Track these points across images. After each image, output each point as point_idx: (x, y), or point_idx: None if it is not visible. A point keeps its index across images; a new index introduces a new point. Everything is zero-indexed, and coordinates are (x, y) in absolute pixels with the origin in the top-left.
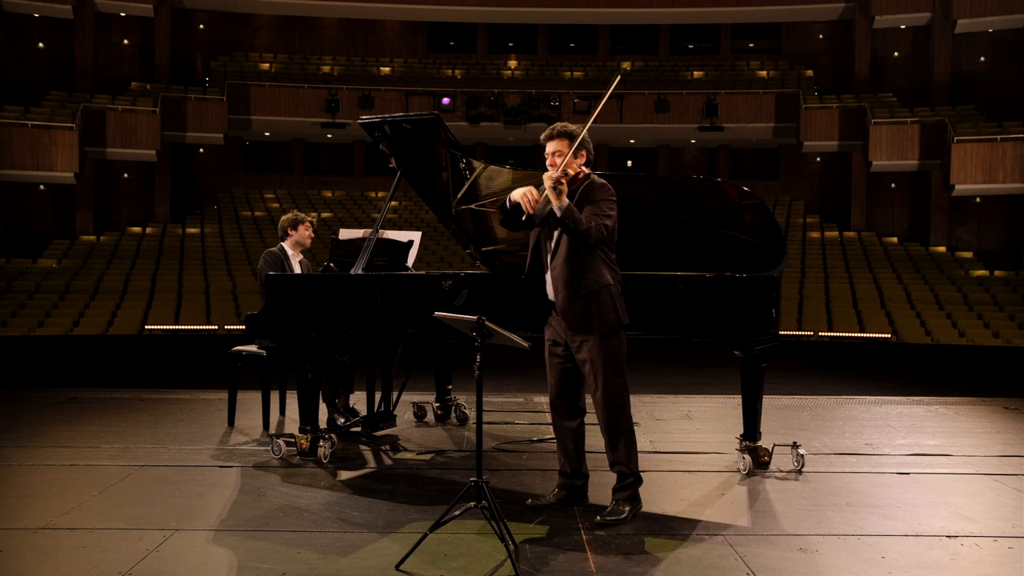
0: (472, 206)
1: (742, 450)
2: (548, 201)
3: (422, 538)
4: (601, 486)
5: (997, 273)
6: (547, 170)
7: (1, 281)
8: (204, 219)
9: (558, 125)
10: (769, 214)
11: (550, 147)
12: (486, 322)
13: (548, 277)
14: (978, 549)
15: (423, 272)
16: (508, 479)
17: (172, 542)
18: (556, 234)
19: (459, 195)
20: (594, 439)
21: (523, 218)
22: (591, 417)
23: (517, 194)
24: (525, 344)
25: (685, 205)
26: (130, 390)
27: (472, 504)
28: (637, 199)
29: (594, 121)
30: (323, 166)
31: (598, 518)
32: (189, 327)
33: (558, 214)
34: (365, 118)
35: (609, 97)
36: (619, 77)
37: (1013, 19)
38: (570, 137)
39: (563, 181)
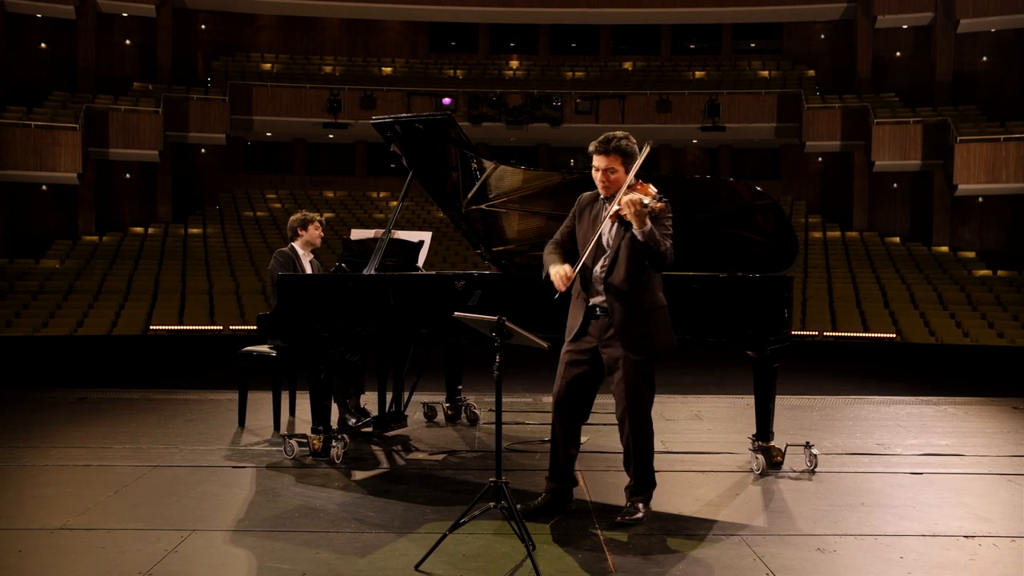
0: (483, 206)
1: (755, 450)
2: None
3: (441, 538)
4: (614, 486)
5: (1000, 273)
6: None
7: (4, 282)
8: (206, 219)
9: (612, 138)
10: (782, 214)
11: (602, 161)
12: (506, 322)
13: (600, 288)
14: (996, 549)
15: (436, 272)
16: (521, 479)
17: (190, 542)
18: (612, 248)
19: (470, 195)
20: (604, 439)
21: (556, 296)
22: (594, 418)
23: (554, 276)
24: (544, 344)
25: (696, 205)
26: (138, 390)
27: (491, 504)
28: None
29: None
30: (325, 166)
31: (618, 518)
32: (193, 327)
33: (640, 238)
34: (377, 118)
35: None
36: (648, 148)
37: (1015, 19)
38: (623, 155)
39: (654, 210)
